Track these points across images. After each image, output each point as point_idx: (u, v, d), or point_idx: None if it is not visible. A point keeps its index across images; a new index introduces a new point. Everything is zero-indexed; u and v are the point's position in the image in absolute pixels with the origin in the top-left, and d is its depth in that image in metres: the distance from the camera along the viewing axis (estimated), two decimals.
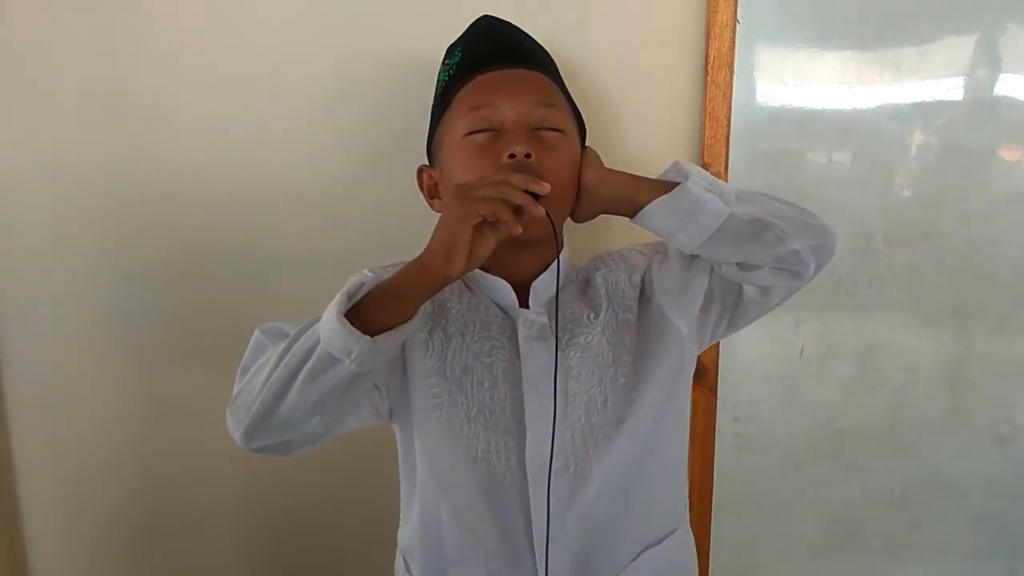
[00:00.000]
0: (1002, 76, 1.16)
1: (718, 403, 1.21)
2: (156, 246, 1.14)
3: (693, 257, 0.87)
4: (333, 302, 0.72)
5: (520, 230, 0.72)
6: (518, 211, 0.72)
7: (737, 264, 0.84)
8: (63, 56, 1.09)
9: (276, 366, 0.73)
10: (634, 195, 0.82)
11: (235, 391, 0.79)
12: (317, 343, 0.71)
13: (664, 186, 0.82)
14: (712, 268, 0.88)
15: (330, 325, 0.71)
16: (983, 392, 1.24)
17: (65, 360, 1.17)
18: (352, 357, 0.71)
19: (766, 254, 0.82)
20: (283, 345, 0.75)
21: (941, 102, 1.16)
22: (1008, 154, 1.19)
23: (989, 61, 1.15)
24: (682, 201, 0.80)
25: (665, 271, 0.90)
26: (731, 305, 0.89)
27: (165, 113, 1.10)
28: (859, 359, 1.22)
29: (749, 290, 0.87)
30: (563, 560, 0.86)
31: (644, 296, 0.90)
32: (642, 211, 0.82)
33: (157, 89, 1.10)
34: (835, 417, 1.23)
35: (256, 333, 0.82)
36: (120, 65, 1.09)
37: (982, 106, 1.16)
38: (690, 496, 1.21)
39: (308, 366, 0.72)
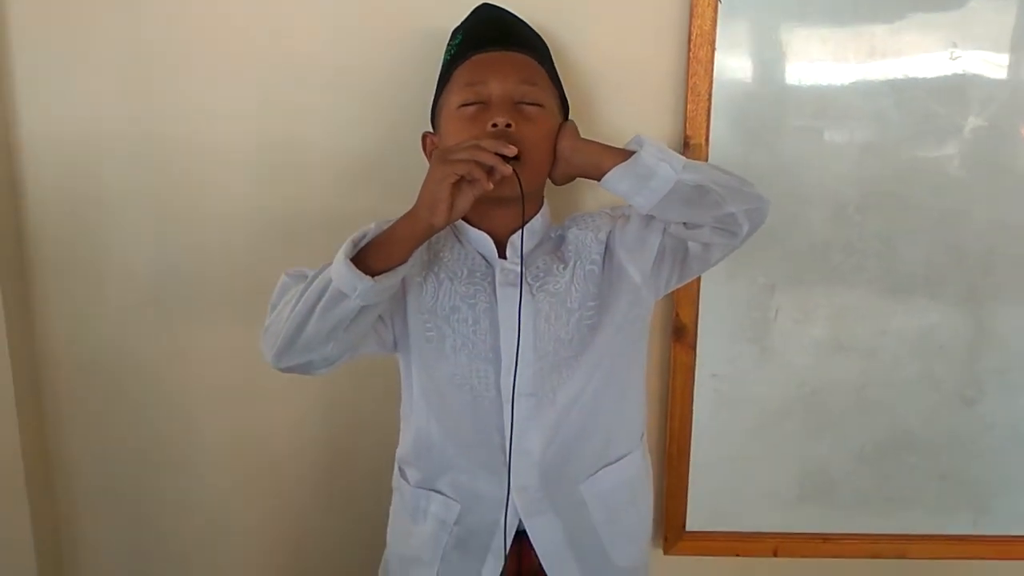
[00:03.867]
0: (972, 53, 1.32)
1: (697, 361, 1.41)
2: (188, 205, 1.39)
3: (649, 218, 1.10)
4: (341, 249, 0.95)
5: (491, 186, 0.94)
6: (490, 171, 0.94)
7: (683, 224, 1.06)
8: (98, 34, 1.33)
9: (298, 301, 0.97)
10: (600, 162, 1.05)
11: (266, 323, 1.03)
12: (330, 282, 0.95)
13: (625, 155, 1.04)
14: (664, 228, 1.10)
15: (339, 267, 0.94)
16: (951, 356, 1.42)
17: (105, 309, 1.42)
18: (357, 293, 0.94)
19: (707, 215, 1.04)
20: (303, 285, 0.98)
21: (914, 79, 1.33)
22: (978, 129, 1.36)
23: (960, 39, 1.32)
24: (637, 168, 1.02)
25: (626, 230, 1.13)
26: (679, 259, 1.12)
27: (197, 83, 1.34)
28: (832, 322, 1.41)
29: (693, 247, 1.10)
30: (531, 470, 1.10)
31: (608, 251, 1.13)
32: (605, 176, 1.04)
33: (190, 65, 1.34)
34: (808, 377, 1.43)
35: (282, 276, 1.07)
36: (153, 49, 1.33)
37: (953, 82, 1.33)
38: (669, 446, 1.44)
39: (323, 301, 0.95)
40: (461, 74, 1.10)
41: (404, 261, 0.97)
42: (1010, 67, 1.34)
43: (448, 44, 1.17)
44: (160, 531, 1.52)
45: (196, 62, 1.34)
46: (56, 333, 1.44)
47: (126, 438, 1.48)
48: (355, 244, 0.96)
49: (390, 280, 0.96)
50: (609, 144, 1.09)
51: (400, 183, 1.29)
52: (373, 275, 0.94)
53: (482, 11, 1.19)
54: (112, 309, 1.43)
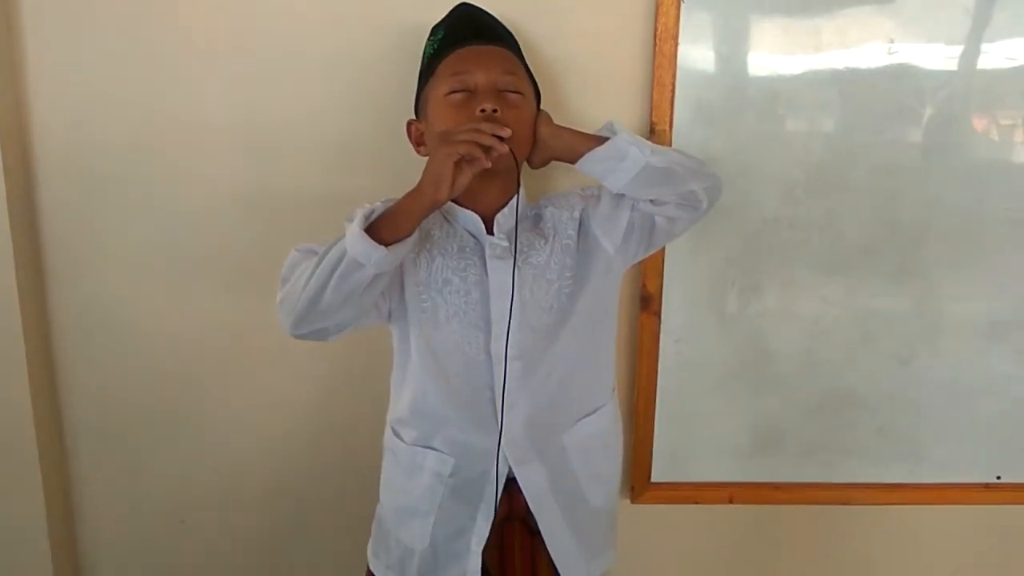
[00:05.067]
0: (908, 47, 1.48)
1: (661, 327, 1.57)
2: (186, 184, 1.51)
3: (619, 197, 1.24)
4: (355, 222, 1.07)
5: (489, 164, 1.08)
6: (487, 151, 1.08)
7: (651, 200, 1.21)
8: (103, 23, 1.44)
9: (314, 272, 1.09)
10: (576, 146, 1.20)
11: (281, 294, 1.15)
12: (345, 253, 1.07)
13: (599, 140, 1.18)
14: (633, 204, 1.25)
15: (354, 239, 1.06)
16: (888, 321, 1.59)
17: (111, 281, 1.54)
18: (372, 262, 1.07)
19: (672, 192, 1.19)
20: (317, 257, 1.10)
21: (855, 69, 1.49)
22: (911, 116, 1.52)
23: (897, 35, 1.48)
24: (611, 152, 1.17)
25: (598, 208, 1.27)
26: (647, 232, 1.27)
27: (195, 71, 1.46)
28: (781, 291, 1.57)
29: (660, 220, 1.25)
30: (517, 423, 1.25)
31: (582, 227, 1.27)
32: (582, 158, 1.18)
33: (189, 53, 1.46)
34: (760, 341, 1.59)
35: (292, 251, 1.19)
36: (154, 38, 1.45)
37: (890, 73, 1.49)
38: (637, 404, 1.60)
39: (339, 270, 1.08)
40: (447, 66, 1.23)
41: (411, 233, 1.10)
42: (943, 59, 1.50)
43: (429, 39, 1.30)
44: (166, 493, 1.66)
45: (194, 50, 1.46)
46: (67, 305, 1.56)
47: (134, 404, 1.60)
48: (366, 218, 1.09)
49: (401, 250, 1.09)
50: (582, 131, 1.24)
51: (382, 166, 1.45)
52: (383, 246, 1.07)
53: (461, 9, 1.32)
54: (118, 282, 1.55)
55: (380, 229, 1.08)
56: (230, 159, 1.50)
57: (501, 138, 1.10)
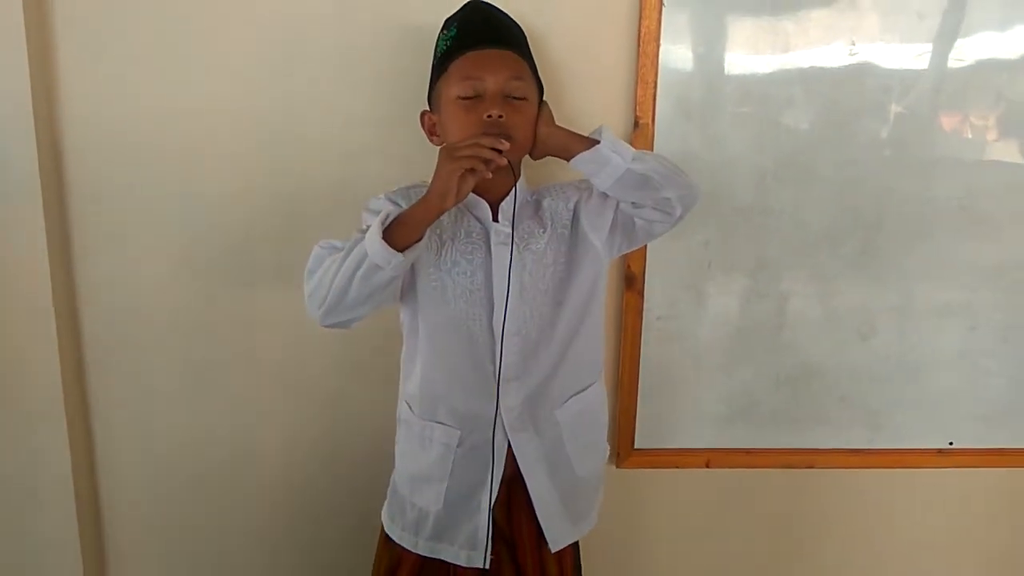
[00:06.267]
0: (868, 46, 1.63)
1: (644, 304, 1.72)
2: (212, 173, 1.63)
3: (607, 195, 1.37)
4: (373, 228, 1.20)
5: (490, 175, 1.22)
6: (487, 162, 1.21)
7: (631, 203, 1.35)
8: (134, 22, 1.56)
9: (339, 271, 1.23)
10: (568, 146, 1.33)
11: (308, 289, 1.28)
12: (365, 256, 1.20)
13: (589, 143, 1.31)
14: (617, 205, 1.38)
15: (373, 245, 1.20)
16: (849, 300, 1.75)
17: (134, 262, 1.66)
18: (391, 266, 1.20)
19: (648, 198, 1.33)
20: (341, 256, 1.24)
21: (820, 68, 1.64)
22: (870, 111, 1.67)
23: (857, 34, 1.63)
24: (595, 157, 1.30)
25: (589, 203, 1.41)
26: (628, 231, 1.41)
27: (221, 67, 1.58)
28: (753, 272, 1.72)
29: (639, 222, 1.38)
30: (517, 396, 1.39)
31: (575, 218, 1.41)
32: (572, 159, 1.32)
33: (211, 57, 1.58)
34: (734, 317, 1.75)
35: (316, 248, 1.31)
36: (179, 29, 1.57)
37: (851, 72, 1.64)
38: (622, 376, 1.75)
39: (361, 271, 1.21)
40: (458, 68, 1.33)
41: (421, 238, 1.24)
42: (899, 60, 1.65)
43: (442, 34, 1.40)
44: (187, 458, 1.78)
45: (213, 47, 1.58)
46: (93, 283, 1.68)
47: (156, 376, 1.73)
48: (382, 224, 1.21)
49: (415, 253, 1.24)
50: (577, 132, 1.35)
51: (393, 156, 1.59)
52: (398, 250, 1.20)
53: (475, 6, 1.41)
54: (141, 263, 1.67)
55: (393, 235, 1.21)
56: (246, 148, 1.62)
57: (499, 150, 1.22)
